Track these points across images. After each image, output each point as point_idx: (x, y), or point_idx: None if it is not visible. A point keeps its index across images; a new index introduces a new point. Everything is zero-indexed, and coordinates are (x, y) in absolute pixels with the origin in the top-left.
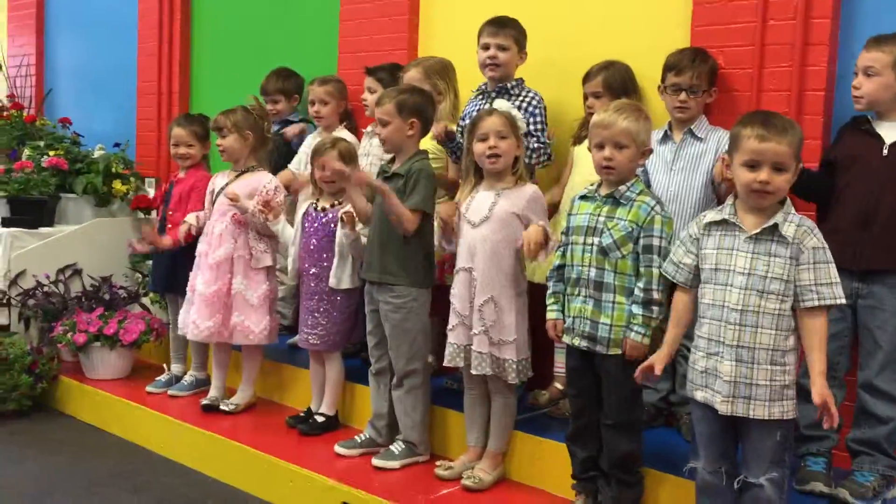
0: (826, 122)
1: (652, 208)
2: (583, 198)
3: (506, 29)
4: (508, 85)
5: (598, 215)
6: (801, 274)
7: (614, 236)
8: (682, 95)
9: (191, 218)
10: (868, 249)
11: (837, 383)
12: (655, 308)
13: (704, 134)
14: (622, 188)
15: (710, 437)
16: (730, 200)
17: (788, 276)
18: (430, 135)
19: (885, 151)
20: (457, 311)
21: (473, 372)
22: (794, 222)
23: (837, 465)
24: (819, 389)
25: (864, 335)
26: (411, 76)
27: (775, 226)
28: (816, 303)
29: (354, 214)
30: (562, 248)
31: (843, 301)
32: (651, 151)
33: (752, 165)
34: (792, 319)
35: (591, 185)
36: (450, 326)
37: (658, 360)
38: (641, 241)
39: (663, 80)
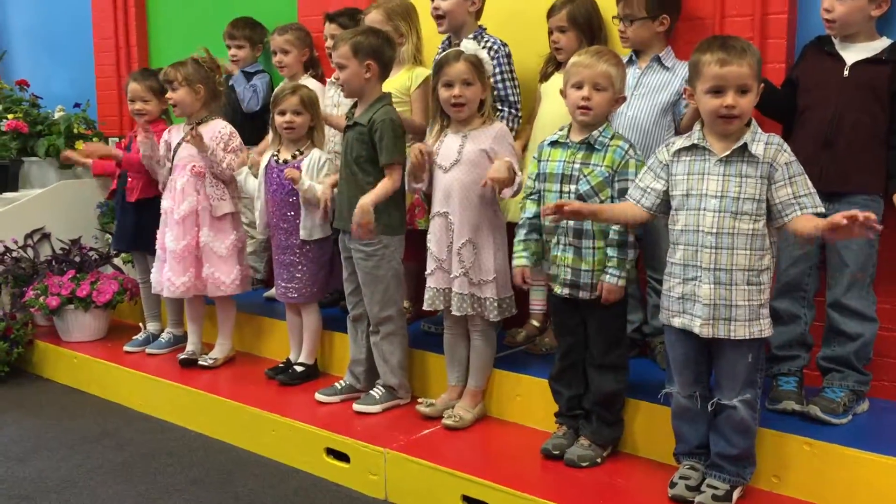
0: (789, 44)
1: (626, 152)
2: (553, 143)
3: None
4: (469, 36)
5: (573, 162)
6: (780, 191)
7: (591, 182)
8: (620, 25)
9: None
10: (832, 169)
11: (806, 304)
12: (630, 251)
13: (671, 63)
14: (595, 133)
15: (685, 362)
16: (697, 126)
17: (760, 196)
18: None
19: (846, 73)
20: (434, 256)
21: (456, 313)
22: (763, 140)
23: (809, 384)
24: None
25: (831, 255)
26: (372, 18)
27: (744, 146)
28: (799, 213)
29: (298, 172)
30: (533, 196)
31: (822, 209)
32: (625, 99)
33: (717, 91)
34: (766, 238)
35: (560, 129)
36: (428, 271)
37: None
38: (617, 185)
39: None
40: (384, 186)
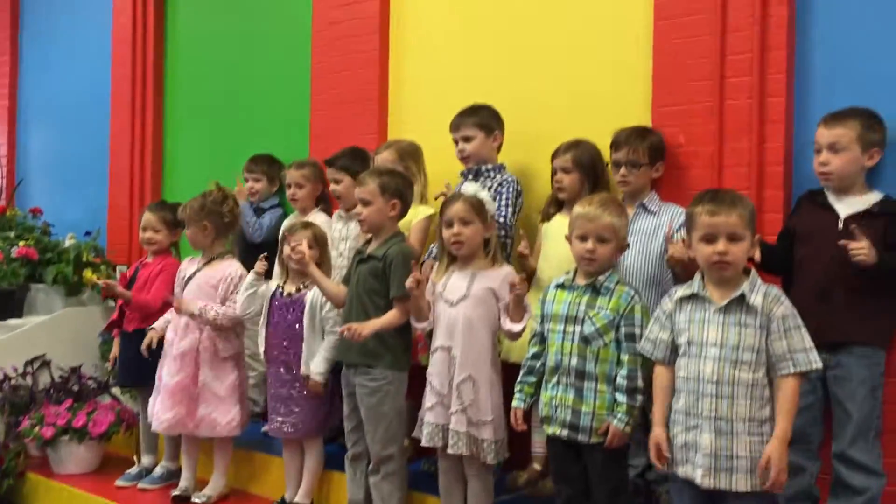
0: (786, 195)
1: (632, 297)
2: (559, 286)
3: (467, 118)
4: (483, 168)
5: (579, 304)
6: (775, 344)
7: (597, 324)
8: (623, 170)
9: (159, 324)
10: (831, 322)
11: (812, 455)
12: (639, 396)
13: (656, 208)
14: (601, 278)
15: None
16: (698, 276)
17: (760, 346)
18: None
19: (840, 225)
20: (435, 390)
21: (450, 451)
22: (762, 291)
23: None
24: (769, 451)
25: (835, 406)
26: (384, 157)
27: (742, 296)
28: (792, 370)
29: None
30: (536, 337)
31: (819, 365)
32: (628, 246)
33: (709, 239)
34: (767, 389)
35: (567, 273)
36: (428, 405)
37: (662, 444)
38: (623, 330)
39: (610, 157)
40: (390, 317)
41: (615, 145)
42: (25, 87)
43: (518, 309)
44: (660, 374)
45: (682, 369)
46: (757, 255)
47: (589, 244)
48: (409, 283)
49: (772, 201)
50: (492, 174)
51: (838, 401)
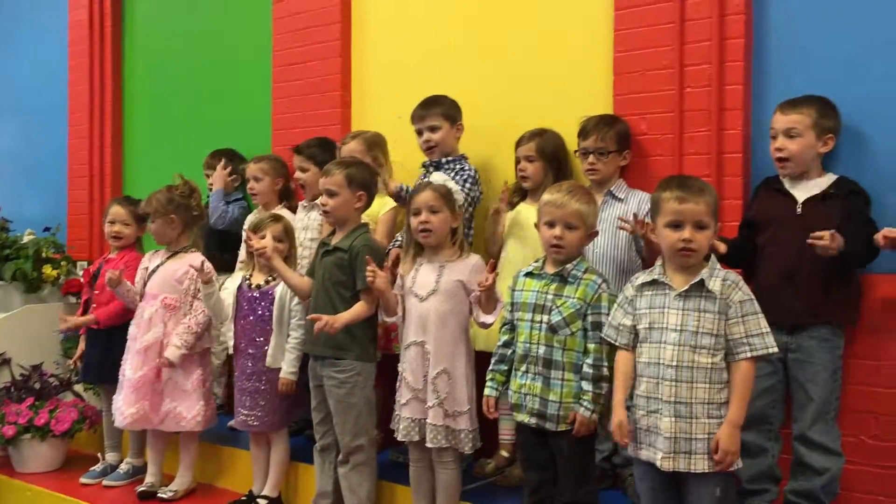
0: (745, 182)
1: (599, 286)
2: (528, 275)
3: (432, 109)
4: (444, 160)
5: (546, 293)
6: (732, 328)
7: (563, 314)
8: (591, 158)
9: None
10: (794, 304)
11: (773, 436)
12: (605, 384)
13: (624, 195)
14: (568, 266)
15: (654, 495)
16: (659, 261)
17: (718, 331)
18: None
19: (799, 209)
20: (410, 386)
21: (429, 445)
22: (720, 277)
23: None
24: (718, 435)
25: (795, 388)
26: (352, 148)
27: (702, 282)
28: (749, 354)
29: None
30: (506, 325)
31: (775, 349)
32: (597, 233)
33: (676, 225)
34: (725, 372)
35: (536, 261)
36: (403, 401)
37: (622, 432)
38: (589, 318)
39: (577, 146)
40: (359, 309)
41: (583, 133)
42: None
43: (490, 302)
44: (622, 358)
45: (643, 354)
46: (722, 248)
47: (557, 231)
48: (368, 277)
49: (731, 187)
50: (453, 165)
51: (799, 383)
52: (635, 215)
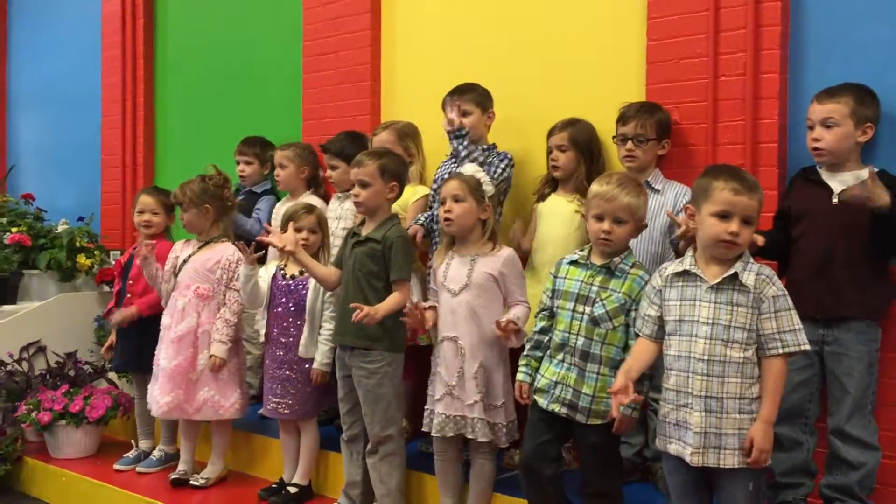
0: (781, 172)
1: (645, 282)
2: (572, 263)
3: (466, 94)
4: (478, 148)
5: (591, 284)
6: (764, 323)
7: (607, 307)
8: (629, 144)
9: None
10: (828, 297)
11: (808, 430)
12: (646, 382)
13: (661, 186)
14: (616, 259)
15: (684, 489)
16: (690, 252)
17: (751, 325)
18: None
19: (835, 200)
20: (444, 381)
21: (478, 438)
22: (754, 271)
23: None
24: (752, 432)
25: (831, 381)
26: (383, 139)
27: (735, 275)
28: (781, 350)
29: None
30: (545, 311)
31: (808, 347)
32: (646, 226)
33: (724, 216)
34: (756, 367)
35: (581, 250)
36: (437, 396)
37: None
38: (633, 314)
39: (616, 132)
40: (395, 300)
41: (622, 119)
42: (16, 74)
43: (516, 339)
44: (641, 342)
45: (672, 347)
46: (761, 241)
47: (605, 225)
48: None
49: (766, 178)
50: (484, 154)
51: (835, 376)
52: (687, 208)
